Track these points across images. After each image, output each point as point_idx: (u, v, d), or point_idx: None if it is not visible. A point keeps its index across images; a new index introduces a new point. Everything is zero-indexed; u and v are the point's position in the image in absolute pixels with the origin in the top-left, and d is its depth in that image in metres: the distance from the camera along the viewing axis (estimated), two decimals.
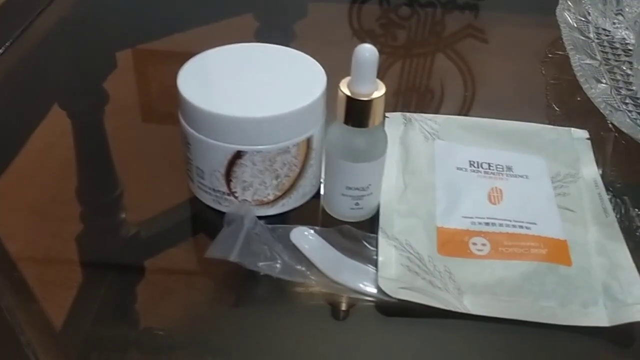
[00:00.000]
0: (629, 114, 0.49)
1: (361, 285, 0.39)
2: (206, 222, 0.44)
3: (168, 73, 0.61)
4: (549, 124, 0.52)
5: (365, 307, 0.39)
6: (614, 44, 0.57)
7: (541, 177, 0.46)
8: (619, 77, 0.53)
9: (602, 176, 0.47)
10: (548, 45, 0.66)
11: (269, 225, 0.42)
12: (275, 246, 0.41)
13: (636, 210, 0.46)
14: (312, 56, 0.45)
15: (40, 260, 0.43)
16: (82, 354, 0.37)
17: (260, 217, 0.42)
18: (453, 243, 0.41)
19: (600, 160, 0.49)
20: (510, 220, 0.43)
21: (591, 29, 0.57)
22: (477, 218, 0.43)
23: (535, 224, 0.43)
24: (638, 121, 0.49)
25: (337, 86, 0.40)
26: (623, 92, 0.51)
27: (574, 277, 0.40)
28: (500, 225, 0.42)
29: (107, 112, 0.56)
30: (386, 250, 0.41)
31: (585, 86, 0.52)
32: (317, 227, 0.42)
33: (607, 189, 0.46)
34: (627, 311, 0.38)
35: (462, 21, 0.73)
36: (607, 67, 0.53)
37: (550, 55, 0.65)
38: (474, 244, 0.41)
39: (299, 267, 0.40)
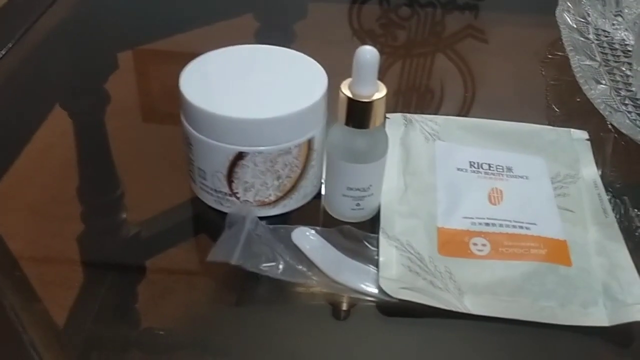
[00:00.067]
0: (629, 115, 0.49)
1: (362, 286, 0.39)
2: (207, 222, 0.45)
3: (169, 73, 0.61)
4: (548, 124, 0.52)
5: (366, 307, 0.39)
6: (614, 45, 0.57)
7: (541, 177, 0.47)
8: (618, 78, 0.53)
9: (602, 177, 0.48)
10: (548, 46, 0.66)
11: (271, 226, 0.42)
12: (277, 247, 0.41)
13: (635, 210, 0.46)
14: (312, 57, 0.45)
15: (41, 260, 0.43)
16: (83, 353, 0.37)
17: (261, 218, 0.42)
18: (453, 243, 0.42)
19: (599, 161, 0.49)
20: (511, 221, 0.43)
21: (591, 30, 0.58)
22: (477, 218, 0.43)
23: (535, 224, 0.43)
24: (637, 122, 0.49)
25: (338, 87, 0.40)
26: (622, 93, 0.51)
27: (574, 277, 0.40)
28: (501, 225, 0.43)
29: (108, 113, 0.56)
30: (387, 251, 0.41)
31: (584, 87, 0.52)
32: (318, 228, 0.42)
33: (607, 190, 0.46)
34: (626, 311, 0.38)
35: (462, 21, 0.73)
36: (606, 68, 0.53)
37: (549, 56, 0.65)
38: (475, 244, 0.42)
39: (300, 267, 0.40)
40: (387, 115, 0.51)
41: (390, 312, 0.39)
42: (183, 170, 0.46)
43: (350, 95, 0.39)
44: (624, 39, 0.58)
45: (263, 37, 0.68)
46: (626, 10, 0.59)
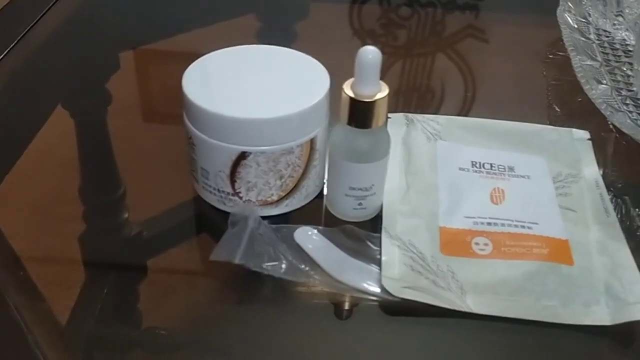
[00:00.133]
0: (630, 115, 0.49)
1: (365, 285, 0.39)
2: (210, 222, 0.45)
3: (170, 74, 0.61)
4: (550, 124, 0.52)
5: (368, 307, 0.39)
6: (615, 45, 0.57)
7: (543, 177, 0.47)
8: (619, 78, 0.53)
9: (603, 176, 0.48)
10: (549, 46, 0.66)
11: (273, 225, 0.42)
12: (279, 246, 0.41)
13: (637, 210, 0.46)
14: (313, 56, 0.45)
15: (42, 260, 0.43)
16: (84, 353, 0.37)
17: (264, 217, 0.42)
18: (455, 243, 0.42)
19: (601, 161, 0.49)
20: (512, 220, 0.43)
21: (592, 30, 0.58)
22: (479, 218, 0.43)
23: (537, 223, 0.43)
24: (638, 122, 0.49)
25: (339, 87, 0.40)
26: (623, 93, 0.51)
27: (576, 276, 0.40)
28: (502, 225, 0.43)
29: (109, 113, 0.56)
30: (389, 250, 0.41)
31: (586, 87, 0.52)
32: (320, 227, 0.42)
33: (608, 189, 0.46)
34: (628, 310, 0.38)
35: (462, 21, 0.73)
36: (607, 68, 0.53)
37: (550, 56, 0.65)
38: (477, 243, 0.42)
39: (302, 266, 0.40)
40: (389, 115, 0.51)
41: (392, 312, 0.39)
42: (185, 170, 0.46)
43: (352, 95, 0.39)
44: (624, 39, 0.58)
45: (264, 37, 0.68)
46: (627, 10, 0.59)
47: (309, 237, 0.42)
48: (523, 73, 0.63)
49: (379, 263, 0.40)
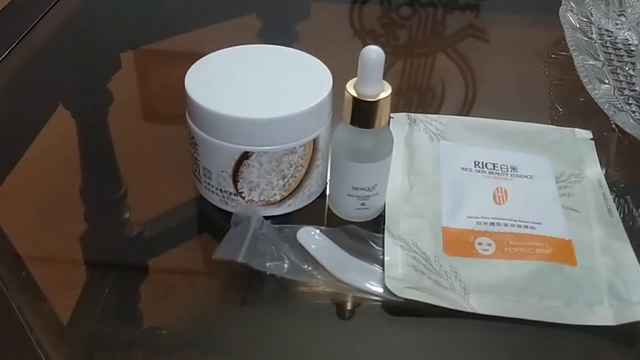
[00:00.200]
0: (632, 115, 0.49)
1: (368, 285, 0.39)
2: (213, 222, 0.45)
3: (172, 73, 0.62)
4: (552, 124, 0.52)
5: (371, 307, 0.39)
6: (617, 45, 0.57)
7: (546, 177, 0.47)
8: (621, 78, 0.53)
9: (606, 176, 0.48)
10: (551, 45, 0.66)
11: (276, 225, 0.42)
12: (282, 246, 0.41)
13: None
14: (314, 56, 0.45)
15: (44, 260, 0.43)
16: (85, 353, 0.37)
17: (266, 217, 0.42)
18: (459, 243, 0.42)
19: (603, 161, 0.49)
20: (515, 220, 0.43)
21: (594, 29, 0.57)
22: (482, 218, 0.43)
23: (540, 223, 0.43)
24: None
25: (340, 86, 0.40)
26: (626, 92, 0.51)
27: (579, 276, 0.40)
28: (506, 225, 0.43)
29: (111, 113, 0.56)
30: (392, 250, 0.41)
31: (588, 87, 0.52)
32: (323, 227, 0.42)
33: (611, 189, 0.46)
34: (632, 310, 0.38)
35: (463, 21, 0.73)
36: (610, 67, 0.53)
37: (553, 56, 0.65)
38: (480, 243, 0.42)
39: (305, 266, 0.40)
40: (392, 114, 0.51)
41: (395, 312, 0.39)
42: (187, 169, 0.46)
43: (355, 94, 0.39)
44: (627, 39, 0.58)
45: (265, 37, 0.68)
46: (629, 10, 0.59)
47: (311, 237, 0.42)
48: (525, 73, 0.63)
49: (381, 263, 0.40)
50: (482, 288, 0.39)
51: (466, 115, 0.55)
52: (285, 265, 0.40)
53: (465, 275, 0.40)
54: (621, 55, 0.56)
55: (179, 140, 0.48)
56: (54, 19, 0.67)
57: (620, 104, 0.50)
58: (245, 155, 0.41)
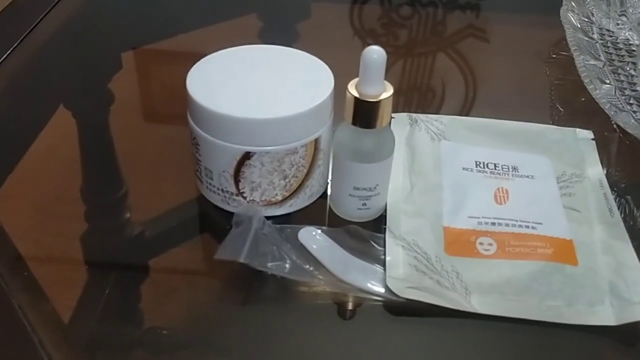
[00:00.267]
0: (634, 115, 0.49)
1: (369, 285, 0.39)
2: (214, 222, 0.45)
3: (172, 73, 0.62)
4: (553, 124, 0.52)
5: (373, 307, 0.39)
6: (618, 45, 0.57)
7: (547, 177, 0.47)
8: (622, 78, 0.53)
9: (607, 176, 0.48)
10: (552, 45, 0.66)
11: (277, 225, 0.42)
12: (283, 246, 0.41)
13: None
14: (315, 56, 0.45)
15: (45, 260, 0.43)
16: (86, 352, 0.37)
17: (268, 217, 0.42)
18: (460, 243, 0.42)
19: (605, 161, 0.49)
20: (517, 220, 0.43)
21: (595, 29, 0.58)
22: (483, 218, 0.43)
23: (541, 223, 0.43)
24: None
25: (341, 86, 0.40)
26: (627, 92, 0.51)
27: (580, 276, 0.40)
28: (507, 225, 0.43)
29: (112, 113, 0.56)
30: (394, 250, 0.41)
31: (589, 87, 0.52)
32: (324, 227, 0.42)
33: (612, 189, 0.46)
34: (633, 310, 0.38)
35: (463, 21, 0.73)
36: (611, 67, 0.53)
37: (554, 56, 0.65)
38: (481, 243, 0.42)
39: (307, 266, 0.40)
40: (393, 115, 0.51)
41: (397, 312, 0.39)
42: (188, 169, 0.46)
43: (357, 95, 0.39)
44: (628, 39, 0.58)
45: (266, 37, 0.68)
46: (630, 10, 0.59)
47: (313, 237, 0.42)
48: (526, 73, 0.63)
49: (383, 263, 0.40)
50: (484, 288, 0.39)
51: (467, 115, 0.55)
52: (287, 265, 0.40)
53: (466, 275, 0.40)
54: (622, 55, 0.56)
55: (180, 140, 0.48)
56: (54, 19, 0.67)
57: (621, 104, 0.50)
58: (247, 156, 0.41)
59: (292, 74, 0.44)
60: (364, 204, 0.43)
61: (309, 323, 0.39)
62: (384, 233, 0.42)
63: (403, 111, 0.52)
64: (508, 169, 0.47)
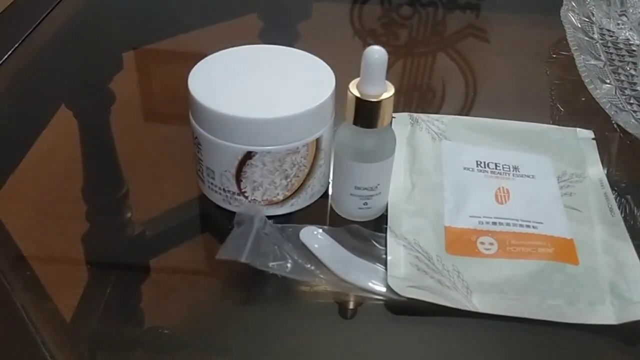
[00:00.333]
0: (634, 114, 0.49)
1: (370, 284, 0.39)
2: (216, 221, 0.45)
3: (173, 73, 0.62)
4: (554, 124, 0.52)
5: (374, 306, 0.39)
6: (618, 45, 0.57)
7: (547, 176, 0.47)
8: (623, 78, 0.53)
9: (608, 176, 0.48)
10: (552, 45, 0.66)
11: (279, 225, 0.42)
12: (285, 245, 0.41)
13: None
14: (316, 56, 0.45)
15: (46, 260, 0.43)
16: (87, 352, 0.37)
17: (269, 217, 0.43)
18: (461, 242, 0.42)
19: (605, 160, 0.49)
20: (517, 220, 0.43)
21: (595, 29, 0.58)
22: (484, 217, 0.43)
23: (542, 223, 0.43)
24: None
25: (342, 86, 0.40)
26: (627, 92, 0.51)
27: (581, 275, 0.40)
28: (508, 224, 0.43)
29: (113, 113, 0.56)
30: (395, 250, 0.41)
31: (590, 86, 0.52)
32: (326, 227, 0.43)
33: (613, 189, 0.47)
34: (634, 309, 0.38)
35: (464, 21, 0.73)
36: (611, 67, 0.53)
37: (554, 56, 0.65)
38: (482, 243, 0.42)
39: (308, 266, 0.40)
40: (394, 114, 0.51)
41: (398, 311, 0.39)
42: (189, 169, 0.46)
43: (358, 94, 0.39)
44: (628, 39, 0.58)
45: (266, 37, 0.68)
46: (631, 10, 0.59)
47: (314, 236, 0.42)
48: (526, 73, 0.64)
49: (384, 262, 0.40)
50: (485, 287, 0.39)
51: (467, 115, 0.55)
52: (288, 265, 0.40)
53: (467, 274, 0.40)
54: (622, 55, 0.56)
55: (181, 140, 0.48)
56: (56, 19, 0.68)
57: (621, 103, 0.50)
58: (249, 155, 0.41)
59: (293, 74, 0.44)
60: (365, 204, 0.43)
61: (310, 322, 0.39)
62: (385, 232, 0.42)
63: (404, 111, 0.52)
64: (509, 168, 0.47)
